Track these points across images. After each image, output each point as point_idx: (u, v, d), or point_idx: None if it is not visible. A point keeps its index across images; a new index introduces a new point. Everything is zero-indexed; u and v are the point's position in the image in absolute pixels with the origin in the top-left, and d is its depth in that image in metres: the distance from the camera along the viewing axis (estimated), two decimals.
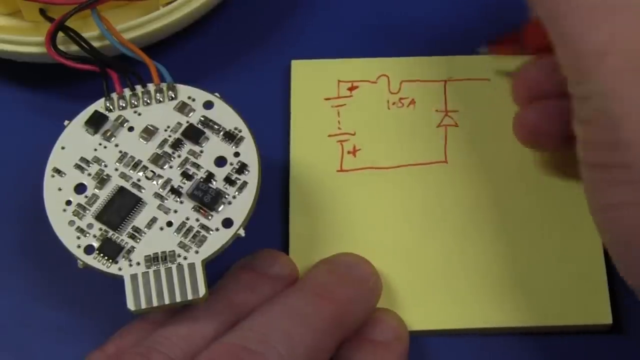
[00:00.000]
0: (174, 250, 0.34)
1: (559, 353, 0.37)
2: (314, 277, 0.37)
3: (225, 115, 0.36)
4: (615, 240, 0.32)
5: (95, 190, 0.35)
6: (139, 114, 0.37)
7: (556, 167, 0.39)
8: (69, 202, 0.35)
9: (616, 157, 0.30)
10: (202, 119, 0.36)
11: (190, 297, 0.33)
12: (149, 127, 0.36)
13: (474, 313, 0.37)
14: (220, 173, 0.35)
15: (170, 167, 0.36)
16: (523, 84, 0.38)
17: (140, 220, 0.35)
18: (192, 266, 0.34)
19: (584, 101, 0.31)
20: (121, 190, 0.35)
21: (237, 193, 0.35)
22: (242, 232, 0.34)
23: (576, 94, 0.32)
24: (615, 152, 0.30)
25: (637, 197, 0.30)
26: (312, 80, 0.42)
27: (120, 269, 0.34)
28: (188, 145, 0.36)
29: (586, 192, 0.32)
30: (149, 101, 0.37)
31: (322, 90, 0.42)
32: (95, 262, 0.34)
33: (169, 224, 0.35)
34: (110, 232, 0.35)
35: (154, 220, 0.35)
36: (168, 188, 0.35)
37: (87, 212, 0.35)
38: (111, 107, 0.37)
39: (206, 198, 0.35)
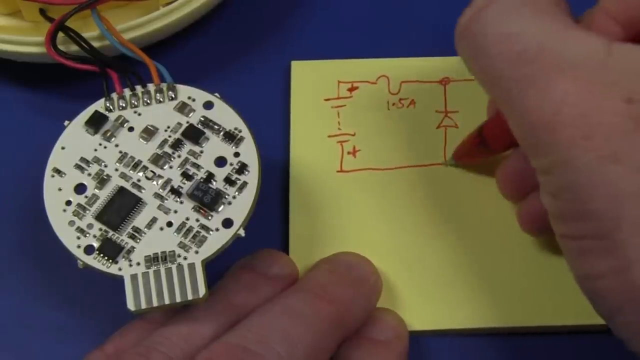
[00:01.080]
0: (174, 251, 0.34)
1: (559, 353, 0.37)
2: (313, 278, 0.37)
3: (225, 116, 0.36)
4: (600, 308, 0.31)
5: (95, 190, 0.35)
6: (139, 114, 0.37)
7: None
8: (69, 202, 0.35)
9: (588, 228, 0.29)
10: (202, 119, 0.36)
11: (190, 297, 0.33)
12: (149, 127, 0.36)
13: (474, 313, 0.37)
14: (220, 173, 0.35)
15: (170, 167, 0.36)
16: (507, 181, 0.37)
17: (140, 220, 0.35)
18: (192, 266, 0.34)
19: (546, 174, 0.30)
20: (121, 190, 0.35)
21: (237, 193, 0.35)
22: (242, 232, 0.34)
23: (537, 168, 0.30)
24: (586, 223, 0.29)
25: (615, 266, 0.29)
26: (312, 81, 0.42)
27: (120, 269, 0.34)
28: (188, 146, 0.36)
29: (566, 261, 0.31)
30: (149, 101, 0.37)
31: (322, 91, 0.42)
32: (95, 262, 0.34)
33: (169, 224, 0.35)
34: (110, 232, 0.35)
35: (154, 220, 0.35)
36: (168, 188, 0.35)
37: (87, 212, 0.35)
38: (111, 107, 0.37)
39: (206, 198, 0.35)
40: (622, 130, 0.28)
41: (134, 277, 0.34)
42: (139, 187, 0.35)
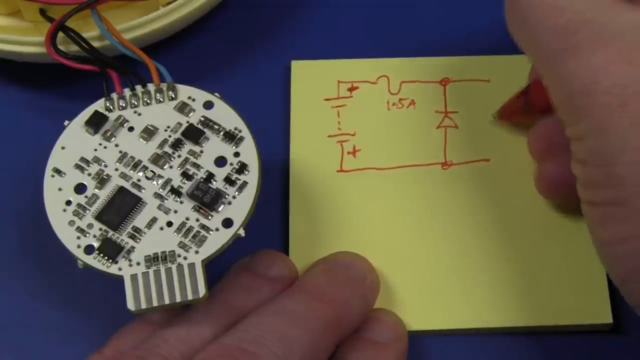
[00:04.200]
0: (174, 250, 0.34)
1: (559, 353, 0.37)
2: (310, 278, 0.37)
3: (225, 115, 0.36)
4: (616, 273, 0.32)
5: (96, 190, 0.35)
6: (139, 114, 0.37)
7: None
8: (69, 202, 0.35)
9: (611, 194, 0.30)
10: (202, 119, 0.36)
11: (190, 297, 0.33)
12: (149, 127, 0.36)
13: (474, 313, 0.37)
14: (220, 173, 0.35)
15: (170, 167, 0.36)
16: (537, 139, 0.38)
17: (140, 220, 0.35)
18: (192, 266, 0.34)
19: (578, 142, 0.31)
20: (121, 190, 0.35)
21: (237, 193, 0.35)
22: (242, 232, 0.34)
23: (571, 136, 0.32)
24: (609, 189, 0.30)
25: (633, 232, 0.30)
26: (312, 81, 0.42)
27: (120, 269, 0.34)
28: (188, 145, 0.36)
29: (588, 228, 0.32)
30: (149, 101, 0.37)
31: (322, 91, 0.42)
32: (95, 262, 0.34)
33: (169, 224, 0.35)
34: (110, 232, 0.35)
35: (154, 220, 0.35)
36: (168, 188, 0.35)
37: (87, 212, 0.35)
38: (111, 107, 0.37)
39: (206, 198, 0.35)
40: None
41: (134, 277, 0.34)
42: (139, 187, 0.35)
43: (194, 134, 0.36)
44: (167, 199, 0.35)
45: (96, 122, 0.36)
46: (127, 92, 0.37)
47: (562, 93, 0.31)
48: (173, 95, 0.37)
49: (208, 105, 0.37)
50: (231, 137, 0.36)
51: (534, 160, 0.39)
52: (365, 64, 0.42)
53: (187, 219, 0.35)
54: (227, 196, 0.35)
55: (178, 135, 0.36)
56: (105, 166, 0.36)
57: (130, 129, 0.36)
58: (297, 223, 0.39)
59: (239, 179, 0.35)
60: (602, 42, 0.31)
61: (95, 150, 0.36)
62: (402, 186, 0.40)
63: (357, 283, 0.37)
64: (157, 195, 0.35)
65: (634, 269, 0.31)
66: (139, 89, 0.37)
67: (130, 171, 0.36)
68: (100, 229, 0.35)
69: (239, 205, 0.35)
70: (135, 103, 0.37)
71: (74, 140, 0.36)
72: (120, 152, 0.36)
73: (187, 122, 0.36)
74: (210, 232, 0.34)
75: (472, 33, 0.43)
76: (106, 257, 0.34)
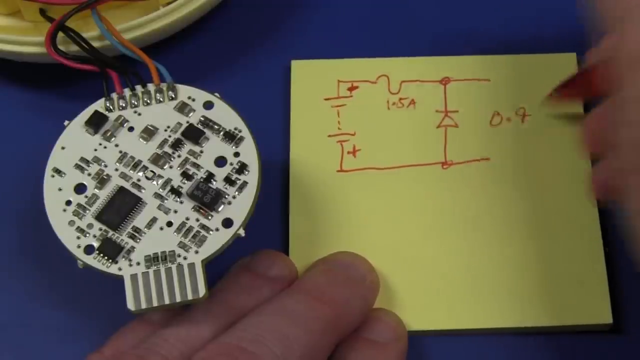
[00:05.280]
0: (174, 250, 0.34)
1: (559, 353, 0.37)
2: (310, 278, 0.37)
3: (225, 115, 0.36)
4: None
5: (95, 190, 0.35)
6: (139, 114, 0.37)
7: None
8: (69, 202, 0.35)
9: None
10: (202, 119, 0.36)
11: (190, 297, 0.33)
12: (149, 127, 0.36)
13: (474, 313, 0.37)
14: (220, 173, 0.35)
15: (170, 167, 0.36)
16: (593, 132, 0.37)
17: (140, 220, 0.35)
18: (192, 266, 0.34)
19: (624, 106, 0.31)
20: (121, 190, 0.35)
21: (237, 193, 0.35)
22: (242, 232, 0.34)
23: (617, 100, 0.32)
24: None
25: None
26: (312, 81, 0.42)
27: (120, 269, 0.34)
28: (188, 146, 0.36)
29: (627, 197, 0.32)
30: (149, 101, 0.37)
31: (322, 91, 0.42)
32: (95, 262, 0.34)
33: (169, 224, 0.35)
34: (110, 232, 0.35)
35: (154, 220, 0.35)
36: (168, 188, 0.35)
37: (87, 212, 0.35)
38: (111, 107, 0.37)
39: (206, 198, 0.35)
40: None
41: (134, 277, 0.34)
42: (139, 187, 0.35)
43: (194, 134, 0.36)
44: (167, 199, 0.35)
45: (96, 122, 0.36)
46: (127, 92, 0.37)
47: (614, 60, 0.31)
48: (173, 95, 0.37)
49: (208, 105, 0.37)
50: (231, 137, 0.36)
51: (589, 157, 0.38)
52: (365, 64, 0.42)
53: (187, 219, 0.35)
54: (227, 196, 0.35)
55: (178, 135, 0.36)
56: (105, 166, 0.36)
57: (130, 129, 0.36)
58: (297, 223, 0.39)
59: (239, 179, 0.35)
60: None
61: (95, 150, 0.36)
62: (402, 186, 0.40)
63: (356, 283, 0.37)
64: (157, 195, 0.35)
65: None
66: (139, 89, 0.37)
67: (130, 171, 0.36)
68: (100, 229, 0.35)
69: (239, 205, 0.35)
70: (135, 103, 0.37)
71: (74, 140, 0.36)
72: (120, 152, 0.36)
73: (187, 122, 0.36)
74: (210, 232, 0.34)
75: (472, 33, 0.43)
76: (106, 257, 0.34)
